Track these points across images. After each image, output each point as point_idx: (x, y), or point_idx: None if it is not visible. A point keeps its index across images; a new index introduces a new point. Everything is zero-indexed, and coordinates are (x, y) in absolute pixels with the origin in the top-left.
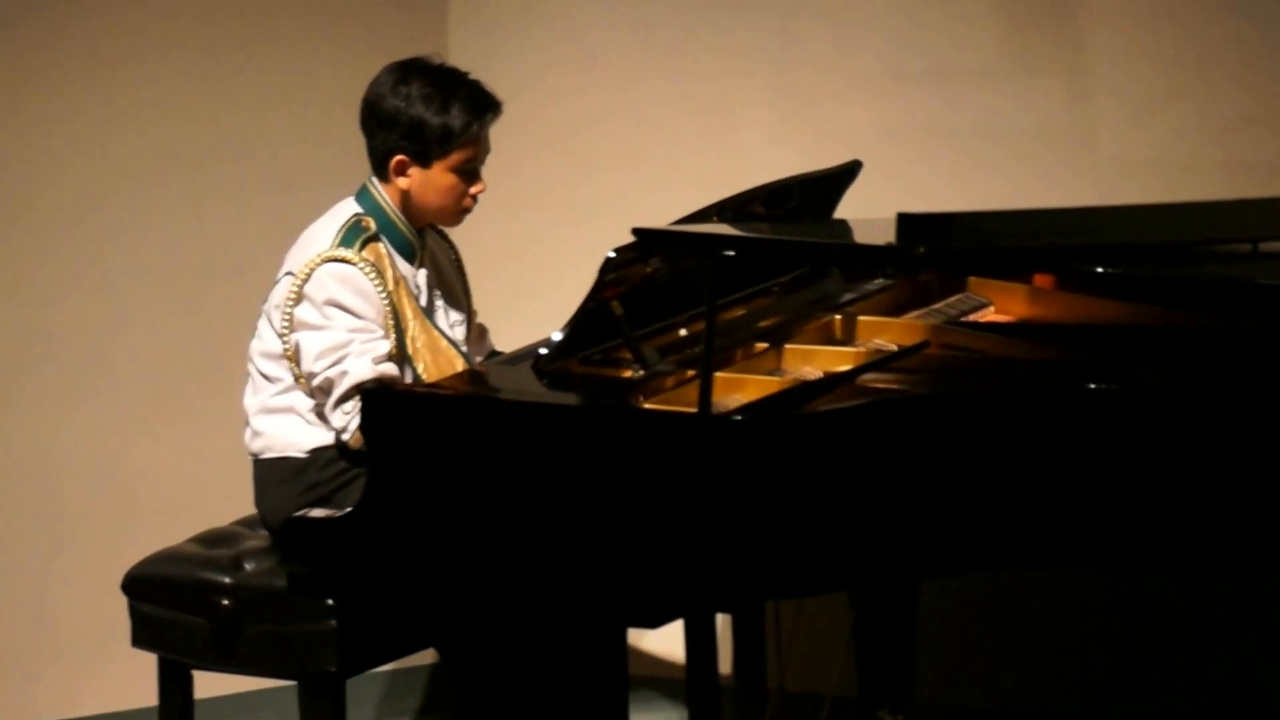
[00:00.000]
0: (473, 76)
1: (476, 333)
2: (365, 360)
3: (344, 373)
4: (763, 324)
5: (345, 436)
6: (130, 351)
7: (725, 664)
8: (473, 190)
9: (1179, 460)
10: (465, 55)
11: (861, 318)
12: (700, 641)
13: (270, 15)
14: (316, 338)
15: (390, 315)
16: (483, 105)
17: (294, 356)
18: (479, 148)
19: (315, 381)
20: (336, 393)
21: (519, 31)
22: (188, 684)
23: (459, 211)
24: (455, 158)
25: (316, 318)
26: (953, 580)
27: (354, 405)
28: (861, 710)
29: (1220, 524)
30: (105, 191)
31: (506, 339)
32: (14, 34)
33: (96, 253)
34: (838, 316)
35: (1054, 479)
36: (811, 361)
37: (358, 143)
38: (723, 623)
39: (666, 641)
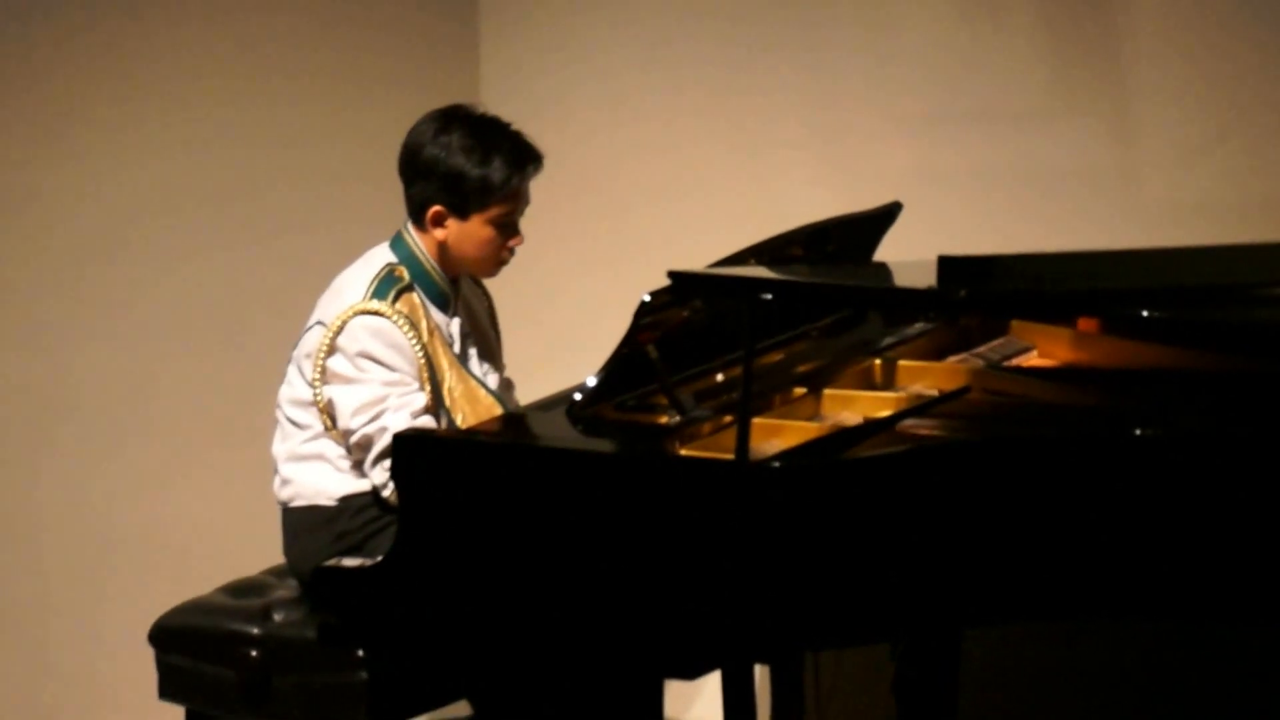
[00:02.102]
0: (515, 128)
1: (502, 387)
2: (404, 415)
3: (383, 429)
4: (801, 369)
5: (385, 493)
6: (156, 398)
7: (764, 717)
8: (510, 243)
9: (1226, 508)
10: (497, 95)
11: (902, 362)
12: (738, 693)
13: (303, 52)
14: (351, 393)
15: (425, 368)
16: (523, 158)
17: (327, 409)
18: (518, 201)
19: (353, 439)
20: (376, 449)
21: (551, 70)
22: None
23: (496, 264)
24: (494, 211)
25: (350, 370)
26: (996, 631)
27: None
28: None
29: (1273, 574)
30: (132, 232)
31: (540, 384)
32: (37, 66)
33: (121, 297)
34: (877, 361)
35: (1098, 527)
36: (851, 407)
37: (390, 184)
38: (761, 675)
39: (704, 693)
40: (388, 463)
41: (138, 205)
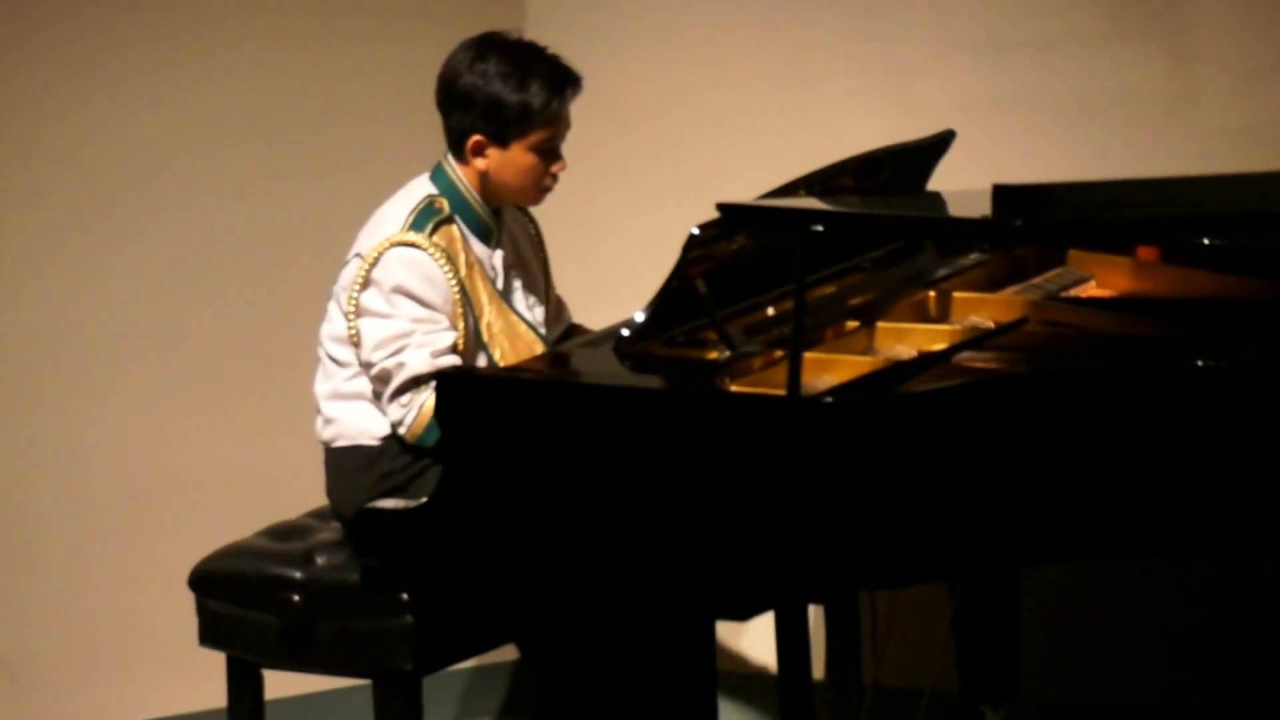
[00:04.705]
0: (551, 51)
1: (555, 307)
2: (424, 353)
3: (401, 364)
4: (854, 302)
5: (401, 430)
6: (196, 337)
7: (818, 658)
8: (553, 169)
9: None
10: (543, 28)
11: (957, 294)
12: (792, 634)
13: None
14: (379, 325)
15: (460, 303)
16: (562, 81)
17: (357, 342)
18: (559, 126)
19: (373, 371)
20: (393, 384)
21: (598, 3)
22: (258, 684)
23: (539, 191)
24: (534, 137)
25: (381, 305)
26: (1056, 568)
27: (410, 398)
28: (963, 706)
29: None
30: (170, 167)
31: (587, 320)
32: None
33: (160, 234)
34: (932, 293)
35: (1160, 461)
36: (905, 340)
37: (430, 117)
38: (815, 615)
39: (757, 635)
40: (405, 398)
41: (175, 141)
